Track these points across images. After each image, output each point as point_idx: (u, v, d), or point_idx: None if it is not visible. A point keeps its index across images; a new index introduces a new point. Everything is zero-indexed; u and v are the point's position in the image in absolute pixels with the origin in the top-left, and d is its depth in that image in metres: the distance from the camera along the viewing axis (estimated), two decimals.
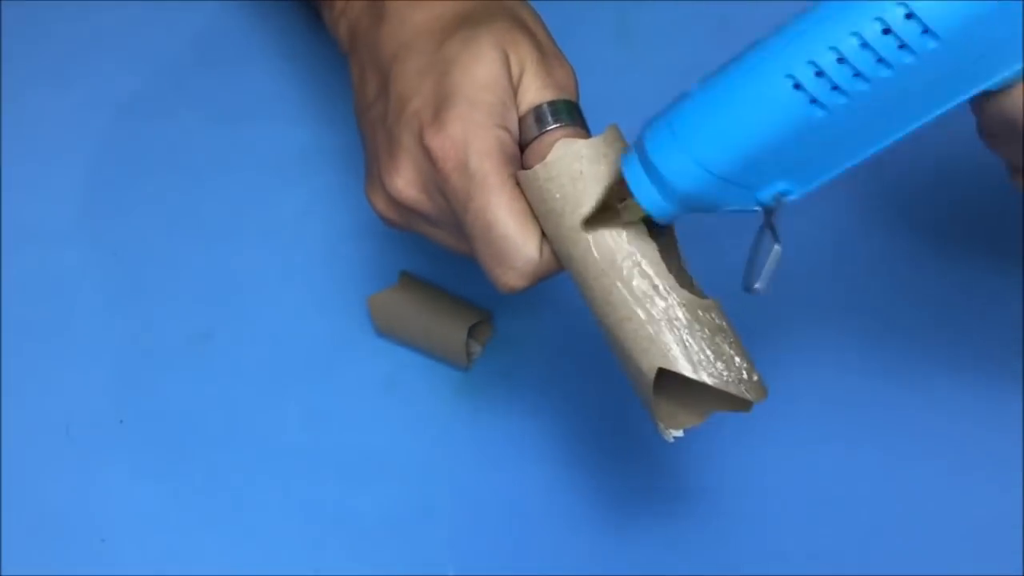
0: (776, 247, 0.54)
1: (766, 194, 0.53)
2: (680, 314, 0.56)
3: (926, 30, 0.48)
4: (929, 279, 0.77)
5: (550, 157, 0.57)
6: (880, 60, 0.49)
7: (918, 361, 0.75)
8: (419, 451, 0.74)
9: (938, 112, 0.51)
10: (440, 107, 0.58)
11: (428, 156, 0.59)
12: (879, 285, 0.77)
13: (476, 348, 0.76)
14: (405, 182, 0.60)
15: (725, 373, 0.57)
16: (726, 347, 0.57)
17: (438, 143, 0.58)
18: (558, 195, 0.57)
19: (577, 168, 0.57)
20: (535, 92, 0.59)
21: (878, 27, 0.49)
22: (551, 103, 0.60)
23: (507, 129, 0.59)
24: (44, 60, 0.86)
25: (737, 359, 0.57)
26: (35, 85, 0.85)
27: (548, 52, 0.61)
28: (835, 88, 0.50)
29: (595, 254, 0.57)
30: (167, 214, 0.81)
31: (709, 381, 0.56)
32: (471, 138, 0.58)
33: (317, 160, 0.82)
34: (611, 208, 0.56)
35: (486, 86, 0.58)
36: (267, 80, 0.85)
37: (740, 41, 0.84)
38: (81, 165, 0.82)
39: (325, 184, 0.81)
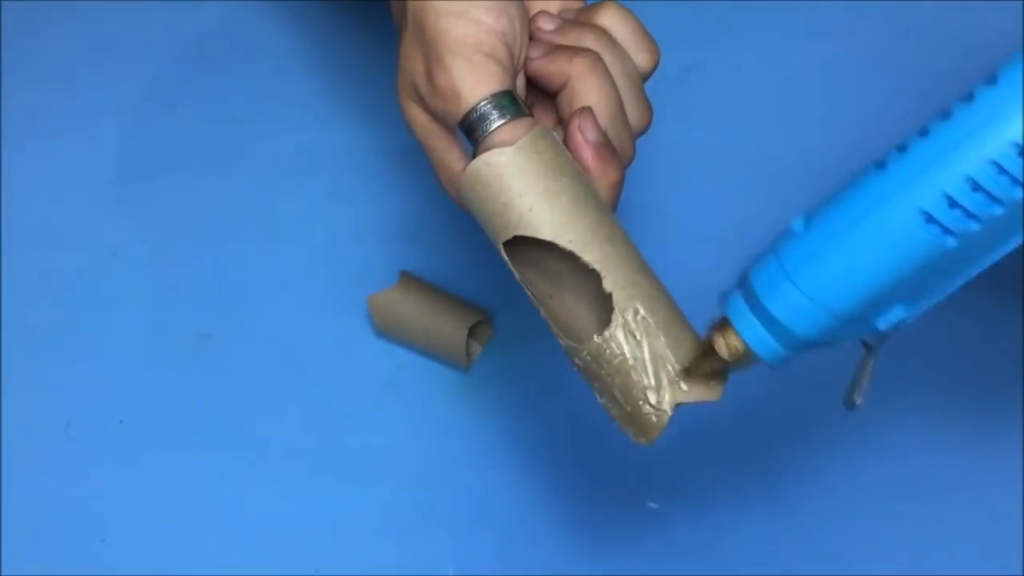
0: (872, 360, 0.54)
1: (884, 323, 0.52)
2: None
3: None
4: None
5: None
6: (1015, 182, 0.48)
7: (918, 360, 0.75)
8: (419, 451, 0.74)
9: None
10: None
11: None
12: None
13: (476, 348, 0.76)
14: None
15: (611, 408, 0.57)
16: (601, 386, 0.56)
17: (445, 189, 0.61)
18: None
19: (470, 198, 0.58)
20: (440, 119, 0.58)
21: (1015, 151, 0.47)
22: (460, 125, 0.58)
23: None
24: (44, 60, 0.86)
25: (617, 398, 0.56)
26: (35, 85, 0.85)
27: (429, 63, 0.57)
28: (969, 216, 0.48)
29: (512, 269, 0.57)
30: (167, 214, 0.81)
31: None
32: (449, 186, 0.60)
33: (317, 160, 0.82)
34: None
35: (423, 142, 0.59)
36: (267, 80, 0.85)
37: (741, 41, 0.83)
38: (81, 165, 0.82)
39: (325, 184, 0.81)
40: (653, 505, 0.72)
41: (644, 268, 0.57)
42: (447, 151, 0.59)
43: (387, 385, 0.76)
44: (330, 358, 0.77)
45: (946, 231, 0.49)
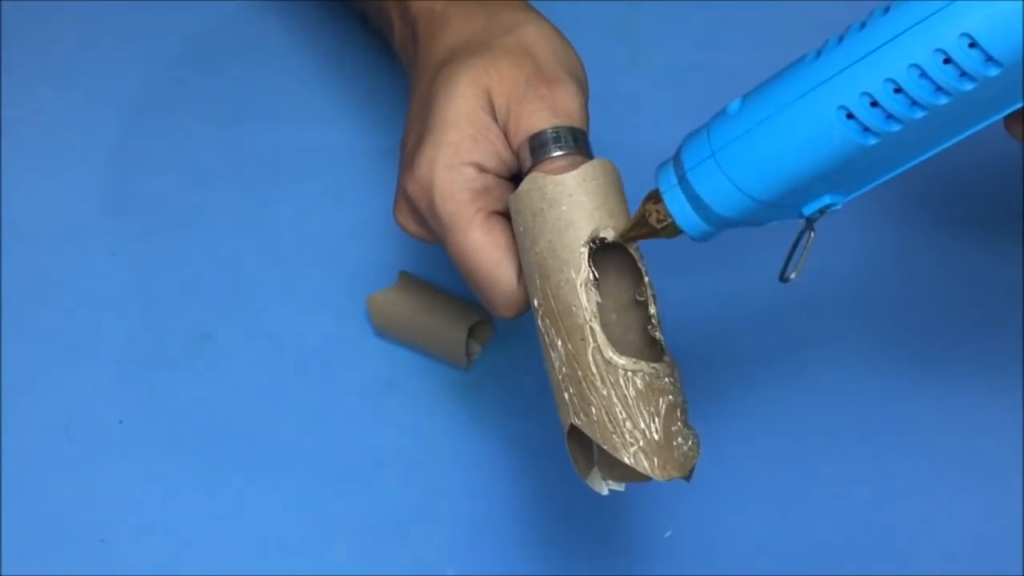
0: (812, 235, 0.53)
1: (811, 208, 0.52)
2: (611, 378, 0.56)
3: (989, 58, 0.47)
4: (943, 275, 0.77)
5: (518, 190, 0.58)
6: (939, 89, 0.48)
7: (919, 362, 0.75)
8: (419, 451, 0.74)
9: (989, 122, 0.49)
10: (414, 150, 0.61)
11: (408, 198, 0.62)
12: (899, 280, 0.78)
13: (476, 348, 0.76)
14: (404, 218, 0.64)
15: (634, 440, 0.55)
16: (644, 415, 0.55)
17: (411, 187, 0.61)
18: (521, 228, 0.58)
19: (538, 206, 0.57)
20: (529, 119, 0.59)
21: (939, 58, 0.47)
22: (546, 131, 0.59)
23: (476, 164, 0.60)
24: (44, 60, 0.86)
25: (652, 427, 0.55)
26: (35, 85, 0.85)
27: (547, 76, 0.60)
28: (890, 117, 0.48)
29: (551, 302, 0.57)
30: (167, 214, 0.81)
31: (617, 454, 0.56)
32: (435, 180, 0.60)
33: (317, 160, 0.82)
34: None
35: (454, 123, 0.60)
36: (267, 80, 0.85)
37: (741, 41, 0.84)
38: (81, 165, 0.82)
39: (325, 184, 0.81)
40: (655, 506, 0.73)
41: None
42: (476, 142, 0.60)
43: (387, 385, 0.76)
44: (330, 358, 0.77)
45: (866, 129, 0.49)
